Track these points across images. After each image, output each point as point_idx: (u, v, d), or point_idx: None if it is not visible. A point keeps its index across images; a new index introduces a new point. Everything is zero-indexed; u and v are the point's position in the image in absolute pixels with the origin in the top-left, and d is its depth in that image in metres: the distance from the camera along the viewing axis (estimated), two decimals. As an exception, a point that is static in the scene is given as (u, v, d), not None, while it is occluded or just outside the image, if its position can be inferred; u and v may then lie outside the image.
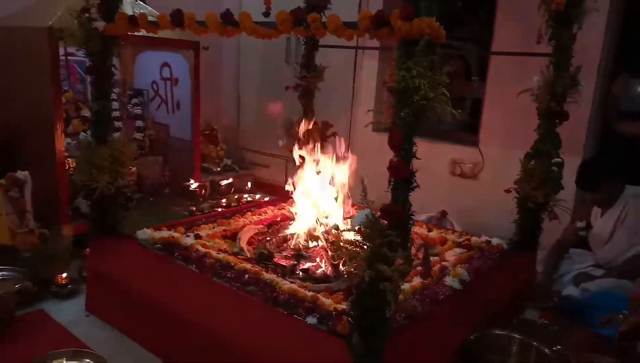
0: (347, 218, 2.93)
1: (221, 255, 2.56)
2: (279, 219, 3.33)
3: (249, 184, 4.87)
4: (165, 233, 2.76)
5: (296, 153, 3.21)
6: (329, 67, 3.48)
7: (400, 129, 1.66)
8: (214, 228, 3.03)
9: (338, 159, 3.01)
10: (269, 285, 2.27)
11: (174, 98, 4.37)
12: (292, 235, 2.93)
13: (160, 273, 2.50)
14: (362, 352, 1.73)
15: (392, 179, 1.71)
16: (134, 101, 4.23)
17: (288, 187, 3.22)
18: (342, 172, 2.99)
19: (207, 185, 4.37)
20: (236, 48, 5.35)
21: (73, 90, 3.93)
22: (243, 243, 2.91)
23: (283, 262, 2.70)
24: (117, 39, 2.59)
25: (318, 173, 3.10)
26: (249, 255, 2.77)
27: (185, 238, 2.74)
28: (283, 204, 3.54)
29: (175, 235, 2.76)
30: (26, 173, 3.04)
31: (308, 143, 3.26)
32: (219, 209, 3.89)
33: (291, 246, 2.83)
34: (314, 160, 3.14)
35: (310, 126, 3.36)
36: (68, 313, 2.68)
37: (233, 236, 3.02)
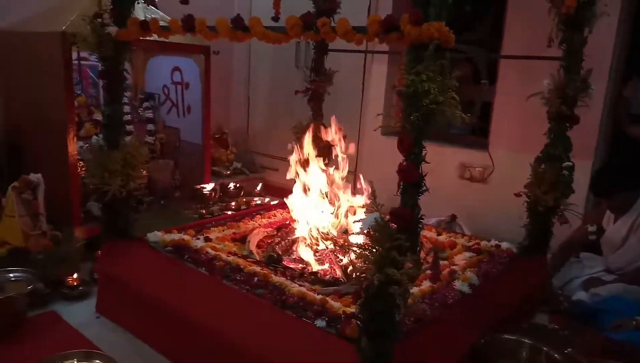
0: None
1: (231, 258, 2.58)
2: (288, 222, 3.34)
3: (259, 187, 4.89)
4: (175, 236, 2.78)
5: (293, 167, 3.18)
6: (338, 72, 3.49)
7: (409, 133, 1.66)
8: (223, 230, 3.04)
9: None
10: (278, 288, 2.28)
11: (184, 102, 4.40)
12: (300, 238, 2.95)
13: (171, 276, 2.51)
14: (371, 356, 1.73)
15: (401, 182, 1.71)
16: (145, 105, 4.27)
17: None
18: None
19: (217, 188, 4.40)
20: (247, 52, 5.39)
21: (85, 94, 3.98)
22: (252, 246, 2.92)
23: (292, 265, 2.70)
24: (129, 44, 2.61)
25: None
26: (258, 258, 2.78)
27: (196, 241, 2.76)
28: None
29: (186, 237, 2.78)
30: (39, 175, 3.08)
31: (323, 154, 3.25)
32: (229, 212, 3.91)
33: (295, 252, 2.85)
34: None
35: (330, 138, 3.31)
36: (79, 314, 2.71)
37: (242, 239, 3.03)
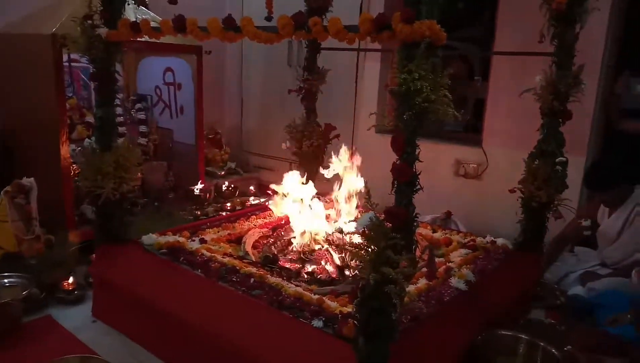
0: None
1: (226, 259, 2.57)
2: (283, 222, 3.33)
3: (252, 187, 4.89)
4: (170, 238, 2.77)
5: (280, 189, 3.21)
6: (331, 70, 3.48)
7: (402, 132, 1.66)
8: (218, 232, 3.03)
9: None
10: (274, 289, 2.28)
11: (177, 103, 4.39)
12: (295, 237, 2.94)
13: (166, 278, 2.50)
14: (367, 355, 1.73)
15: (395, 181, 1.71)
16: (138, 106, 4.25)
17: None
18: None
19: (212, 189, 4.38)
20: (239, 52, 5.37)
21: (77, 96, 3.95)
22: (248, 247, 2.92)
23: (288, 265, 2.70)
24: (120, 45, 2.60)
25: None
26: (254, 259, 2.78)
27: (191, 243, 2.75)
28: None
29: (181, 239, 2.77)
30: (32, 179, 3.05)
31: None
32: (224, 213, 3.90)
33: (293, 250, 2.85)
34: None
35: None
36: (75, 319, 2.70)
37: (238, 240, 3.03)
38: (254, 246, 2.97)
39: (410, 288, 2.21)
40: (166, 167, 4.26)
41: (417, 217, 1.76)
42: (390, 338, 1.74)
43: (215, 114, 5.10)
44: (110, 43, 2.52)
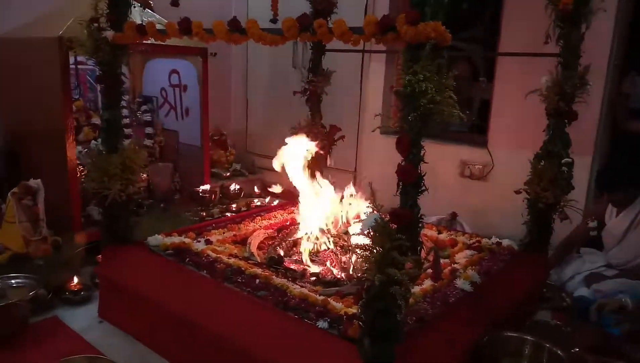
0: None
1: (232, 260, 2.58)
2: (288, 223, 3.34)
3: (256, 188, 4.90)
4: (176, 239, 2.78)
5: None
6: (335, 71, 3.49)
7: (407, 133, 1.66)
8: (224, 233, 3.04)
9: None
10: (279, 290, 2.28)
11: (182, 105, 4.40)
12: (301, 238, 2.95)
13: (172, 279, 2.51)
14: (373, 356, 1.73)
15: (400, 182, 1.71)
16: (144, 108, 4.27)
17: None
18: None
19: (217, 190, 4.39)
20: (244, 53, 5.38)
21: (83, 98, 3.98)
22: (253, 248, 2.92)
23: (293, 266, 2.70)
24: (126, 48, 2.61)
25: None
26: (259, 260, 2.78)
27: (196, 244, 2.76)
28: (292, 208, 3.55)
29: (186, 240, 2.78)
30: (39, 181, 3.08)
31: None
32: (229, 214, 3.91)
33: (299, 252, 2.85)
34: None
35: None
36: (81, 319, 2.71)
37: (243, 241, 3.03)
38: (259, 247, 2.97)
39: (416, 289, 2.21)
40: (172, 168, 4.28)
41: (422, 218, 1.76)
42: (395, 339, 1.74)
43: (221, 115, 5.11)
44: (116, 46, 2.53)
